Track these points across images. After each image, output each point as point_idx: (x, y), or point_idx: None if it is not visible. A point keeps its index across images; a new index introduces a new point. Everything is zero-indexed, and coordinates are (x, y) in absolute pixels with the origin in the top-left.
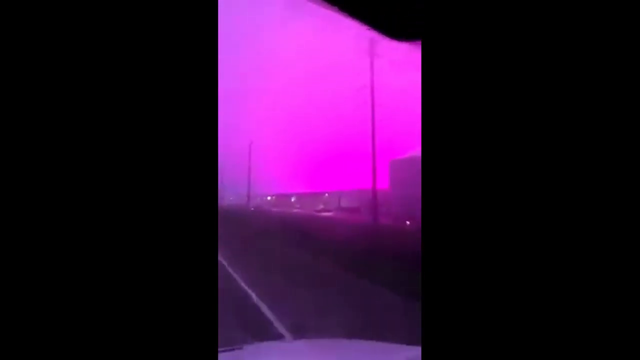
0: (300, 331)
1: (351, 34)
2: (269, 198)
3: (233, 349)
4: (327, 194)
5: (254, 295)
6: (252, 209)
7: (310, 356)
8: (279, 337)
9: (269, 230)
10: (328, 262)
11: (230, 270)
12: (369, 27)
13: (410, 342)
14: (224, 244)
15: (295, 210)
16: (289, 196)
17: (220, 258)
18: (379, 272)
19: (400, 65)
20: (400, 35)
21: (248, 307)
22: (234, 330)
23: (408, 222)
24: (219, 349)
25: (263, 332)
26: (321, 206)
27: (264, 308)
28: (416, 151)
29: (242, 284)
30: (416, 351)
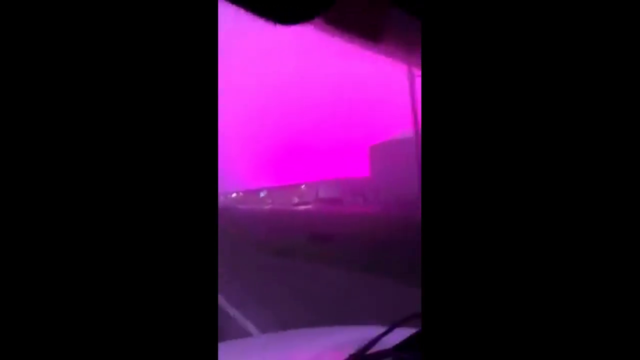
0: None
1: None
2: (234, 195)
3: None
4: (304, 186)
5: None
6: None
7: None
8: None
9: (270, 241)
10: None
11: None
12: (252, 13)
13: None
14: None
15: (268, 207)
16: (256, 192)
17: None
18: None
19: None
20: (283, 20)
21: None
22: None
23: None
24: None
25: None
26: (296, 199)
27: None
28: (397, 134)
29: None
30: (374, 330)
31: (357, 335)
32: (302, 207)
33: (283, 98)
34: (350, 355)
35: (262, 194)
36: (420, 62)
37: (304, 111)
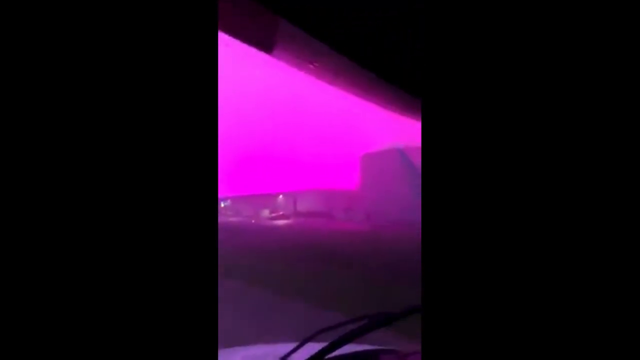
0: None
1: None
2: None
3: None
4: (281, 196)
5: None
6: None
7: None
8: None
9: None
10: None
11: None
12: None
13: None
14: None
15: (232, 219)
16: None
17: None
18: None
19: None
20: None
21: None
22: None
23: None
24: None
25: None
26: (267, 212)
27: None
28: (391, 144)
29: None
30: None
31: (268, 352)
32: (282, 222)
33: (251, 106)
34: None
35: (223, 204)
36: (316, 73)
37: (273, 118)
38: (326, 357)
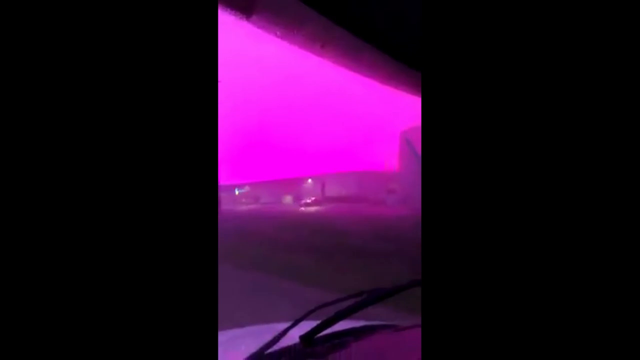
0: None
1: None
2: None
3: None
4: (310, 180)
5: None
6: None
7: None
8: None
9: None
10: None
11: None
12: None
13: None
14: None
15: (250, 206)
16: (228, 188)
17: None
18: None
19: None
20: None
21: None
22: None
23: None
24: None
25: None
26: (289, 198)
27: None
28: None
29: None
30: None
31: (263, 329)
32: (313, 208)
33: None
34: (251, 354)
35: (237, 191)
36: (298, 41)
37: (288, 100)
38: (324, 332)
